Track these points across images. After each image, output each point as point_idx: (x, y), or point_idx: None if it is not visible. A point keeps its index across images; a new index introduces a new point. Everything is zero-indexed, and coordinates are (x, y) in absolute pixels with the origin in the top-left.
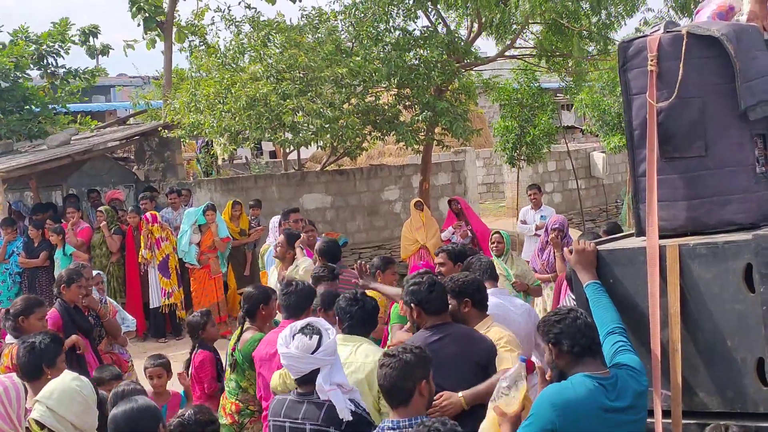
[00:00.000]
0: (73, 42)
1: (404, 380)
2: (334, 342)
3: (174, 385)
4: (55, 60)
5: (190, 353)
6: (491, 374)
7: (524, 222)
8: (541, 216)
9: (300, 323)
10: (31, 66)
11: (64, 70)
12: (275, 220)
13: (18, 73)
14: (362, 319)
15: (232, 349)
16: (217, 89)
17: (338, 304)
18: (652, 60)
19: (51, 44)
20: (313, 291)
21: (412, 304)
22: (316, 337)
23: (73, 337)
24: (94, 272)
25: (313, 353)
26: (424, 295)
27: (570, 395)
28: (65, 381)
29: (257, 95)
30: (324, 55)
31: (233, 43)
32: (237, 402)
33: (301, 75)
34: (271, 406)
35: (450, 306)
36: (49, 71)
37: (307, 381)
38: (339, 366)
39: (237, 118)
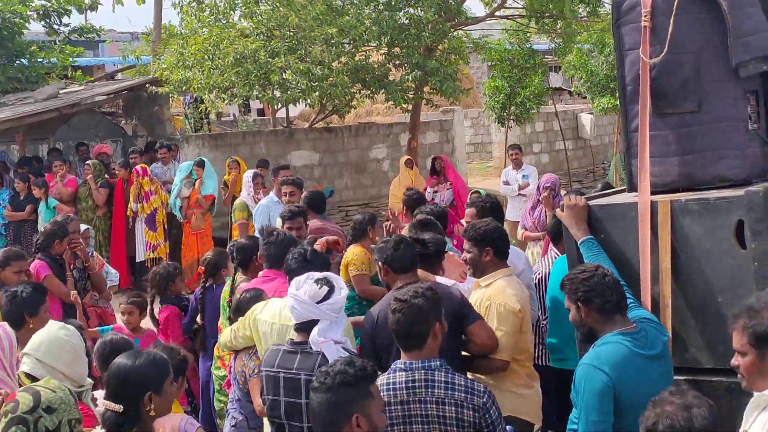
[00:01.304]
0: (82, 3)
1: (418, 325)
2: (343, 300)
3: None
4: (59, 18)
5: (151, 304)
6: (464, 327)
7: (507, 183)
8: (523, 175)
9: (318, 274)
10: (34, 19)
11: (68, 28)
12: (249, 174)
13: (19, 24)
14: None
15: (228, 300)
16: (205, 46)
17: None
18: (645, 15)
19: (55, 4)
20: (294, 241)
21: (380, 262)
22: (326, 288)
23: (73, 292)
24: (83, 227)
25: (318, 303)
26: (389, 253)
27: (611, 354)
28: (52, 331)
29: (246, 52)
30: (315, 14)
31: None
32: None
33: (291, 33)
34: (265, 356)
35: (471, 254)
36: (54, 27)
37: (305, 329)
38: (340, 324)
39: (225, 75)
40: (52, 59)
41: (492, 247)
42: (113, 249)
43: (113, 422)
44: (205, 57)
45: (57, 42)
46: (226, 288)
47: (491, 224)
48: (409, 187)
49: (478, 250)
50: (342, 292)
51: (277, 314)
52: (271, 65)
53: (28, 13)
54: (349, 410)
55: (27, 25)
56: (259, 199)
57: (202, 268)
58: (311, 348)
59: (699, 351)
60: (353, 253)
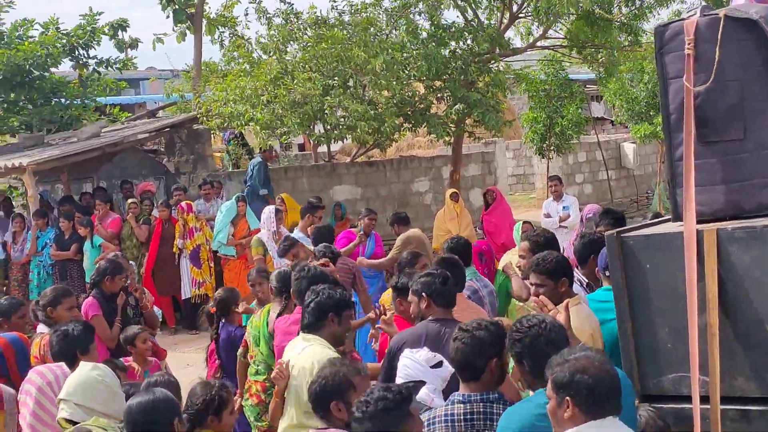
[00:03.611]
0: (103, 33)
1: (476, 357)
2: (449, 373)
3: None
4: (86, 52)
5: (216, 330)
6: None
7: (548, 215)
8: (564, 207)
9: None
10: (62, 57)
11: (95, 60)
12: (269, 210)
13: (49, 62)
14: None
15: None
16: (264, 81)
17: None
18: (689, 43)
19: (82, 36)
20: (325, 275)
21: (423, 293)
22: (440, 357)
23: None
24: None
25: (431, 367)
26: (436, 287)
27: (512, 416)
28: (84, 373)
29: (309, 94)
30: (373, 53)
31: (274, 32)
32: (263, 381)
33: (351, 69)
34: None
35: (546, 287)
36: (81, 62)
37: None
38: (441, 392)
39: (275, 113)
40: (86, 101)
41: (567, 277)
42: (158, 288)
43: None
44: (261, 92)
45: (90, 77)
46: (261, 317)
47: (560, 255)
48: (396, 212)
49: (554, 281)
50: (450, 368)
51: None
52: (324, 104)
53: (56, 45)
54: None
55: (57, 61)
56: (282, 234)
57: (214, 308)
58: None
59: (747, 380)
60: (388, 293)
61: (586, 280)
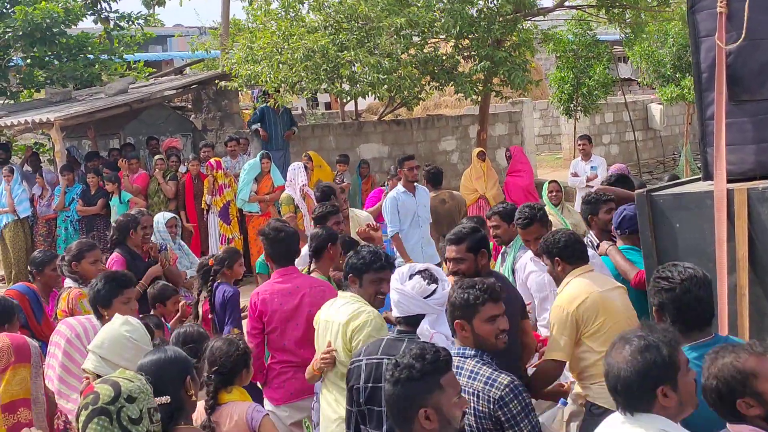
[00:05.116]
0: None
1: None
2: (447, 294)
3: None
4: (109, 5)
5: (197, 294)
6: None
7: (575, 174)
8: (591, 167)
9: (419, 266)
10: (85, 11)
11: (116, 14)
12: (296, 167)
13: (69, 19)
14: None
15: None
16: (274, 39)
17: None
18: (721, 1)
19: None
20: (298, 237)
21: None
22: (433, 285)
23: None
24: (170, 215)
25: (426, 298)
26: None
27: None
28: (114, 327)
29: (315, 47)
30: (383, 5)
31: None
32: None
33: (360, 25)
34: (366, 348)
35: (548, 267)
36: (102, 16)
37: (410, 323)
38: (444, 317)
39: (294, 69)
40: (113, 56)
41: (560, 256)
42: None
43: (165, 415)
44: (275, 51)
45: (111, 30)
46: None
47: (557, 234)
48: (428, 164)
49: (551, 262)
50: (446, 285)
51: (324, 311)
52: (340, 59)
53: (77, 0)
54: (417, 404)
55: (78, 17)
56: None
57: (212, 260)
58: (419, 337)
59: None
60: None
61: (597, 241)
